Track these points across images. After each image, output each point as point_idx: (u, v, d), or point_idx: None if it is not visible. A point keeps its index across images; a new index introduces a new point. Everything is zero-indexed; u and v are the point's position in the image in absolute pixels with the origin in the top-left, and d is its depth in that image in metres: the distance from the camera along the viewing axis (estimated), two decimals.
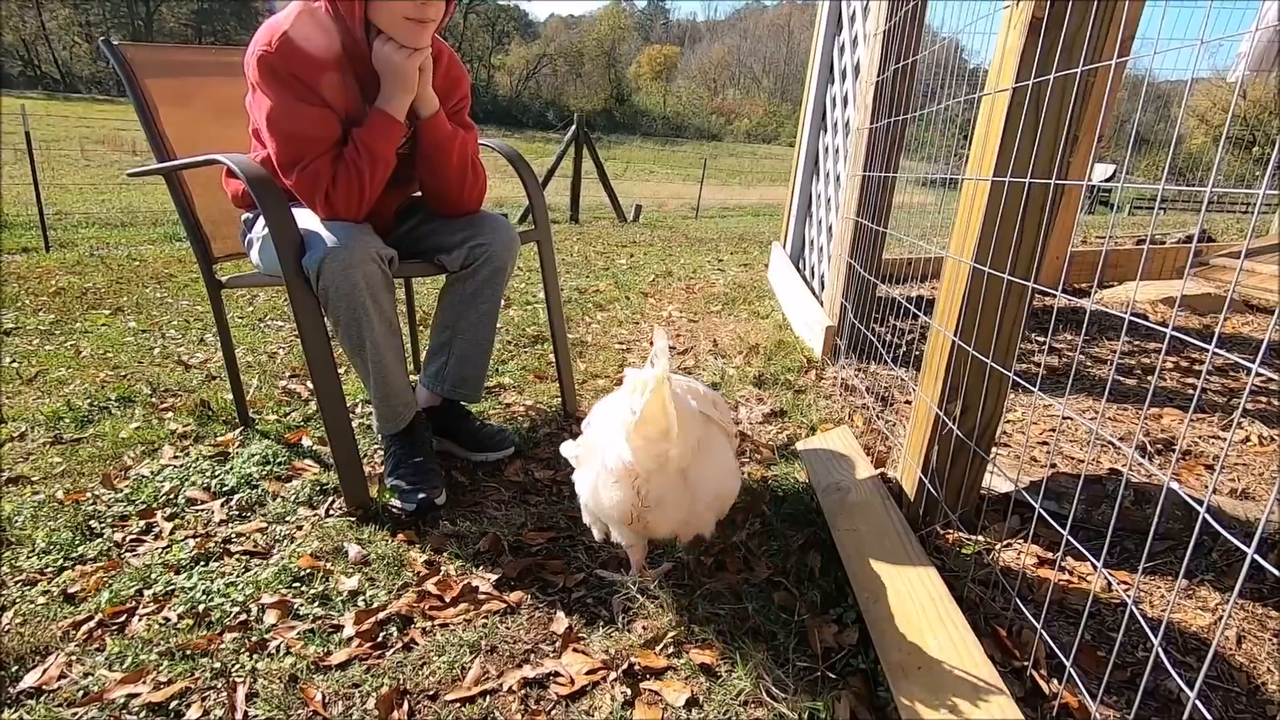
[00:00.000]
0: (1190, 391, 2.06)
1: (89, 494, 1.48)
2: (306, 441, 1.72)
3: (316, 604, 1.16)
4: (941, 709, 0.86)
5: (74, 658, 1.04)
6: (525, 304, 3.17)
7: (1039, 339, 2.58)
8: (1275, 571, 0.63)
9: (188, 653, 1.05)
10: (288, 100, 1.29)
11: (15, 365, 2.22)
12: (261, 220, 1.44)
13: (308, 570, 1.24)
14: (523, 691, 0.99)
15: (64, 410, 1.86)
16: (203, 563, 1.26)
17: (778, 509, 1.41)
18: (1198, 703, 0.66)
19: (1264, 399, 2.03)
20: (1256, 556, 0.60)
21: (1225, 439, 1.74)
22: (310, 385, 2.02)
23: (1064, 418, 1.85)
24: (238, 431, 1.77)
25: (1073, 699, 0.95)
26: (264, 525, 1.38)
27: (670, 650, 1.06)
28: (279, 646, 1.06)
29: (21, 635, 1.08)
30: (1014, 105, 1.08)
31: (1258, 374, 0.61)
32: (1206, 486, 1.50)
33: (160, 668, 1.02)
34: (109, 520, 1.39)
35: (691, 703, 0.97)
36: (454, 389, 1.63)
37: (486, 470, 1.60)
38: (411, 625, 1.12)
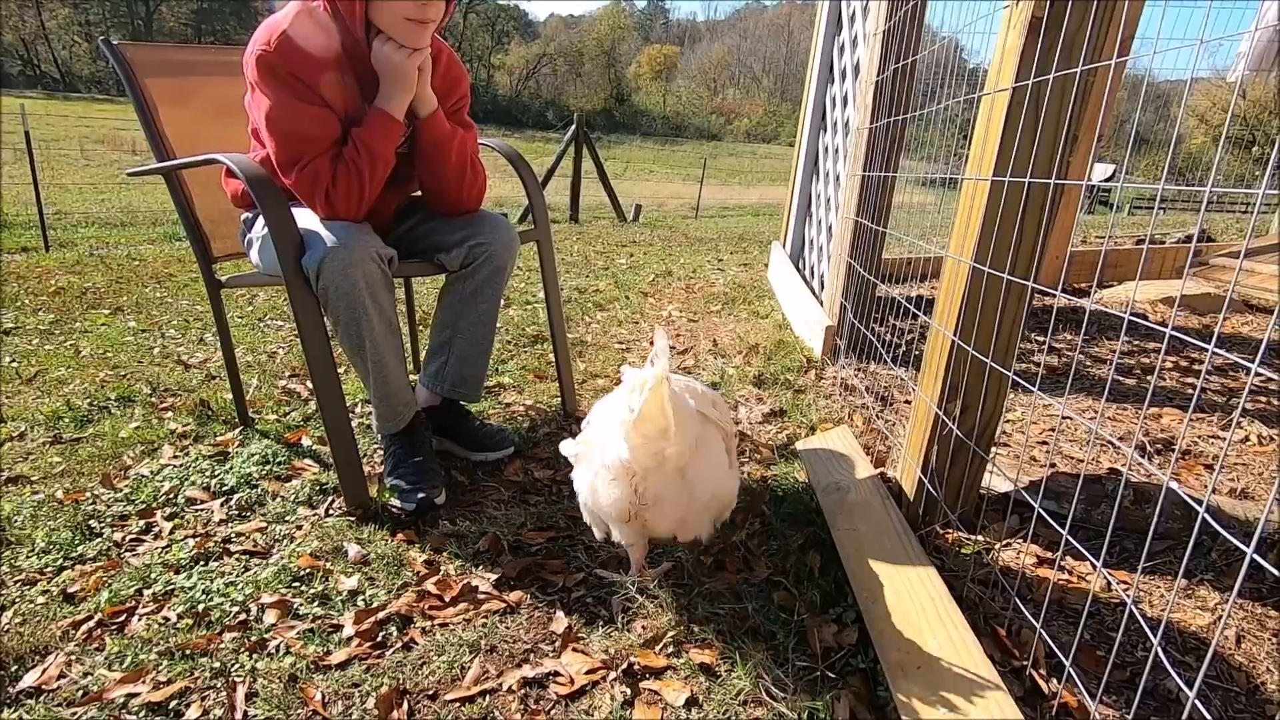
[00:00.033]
0: (1190, 391, 2.06)
1: (88, 494, 1.48)
2: (306, 441, 1.72)
3: (316, 604, 1.16)
4: (941, 708, 0.86)
5: (73, 657, 1.04)
6: (525, 303, 3.17)
7: (1039, 339, 2.58)
8: (1274, 571, 0.63)
9: (187, 652, 1.05)
10: (287, 99, 1.29)
11: (15, 365, 2.22)
12: (261, 220, 1.44)
13: (307, 570, 1.24)
14: (522, 691, 0.99)
15: (63, 410, 1.86)
16: (202, 562, 1.26)
17: (777, 508, 1.41)
18: (1197, 702, 0.66)
19: (1263, 399, 2.03)
20: (1256, 556, 0.60)
21: (1225, 439, 1.74)
22: (310, 385, 2.02)
23: (1063, 417, 1.85)
24: (237, 431, 1.77)
25: (1072, 698, 0.95)
26: (264, 525, 1.38)
27: (670, 650, 1.06)
28: (278, 646, 1.06)
29: (21, 635, 1.08)
30: (1014, 105, 1.08)
31: (1257, 374, 0.61)
32: (1206, 486, 1.50)
33: (160, 667, 1.02)
34: (108, 520, 1.39)
35: (691, 702, 0.97)
36: (454, 388, 1.63)
37: (486, 470, 1.60)
38: (411, 625, 1.12)
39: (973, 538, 1.31)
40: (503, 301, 2.86)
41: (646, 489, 1.04)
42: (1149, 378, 2.19)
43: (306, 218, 1.37)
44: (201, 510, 1.43)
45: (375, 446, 1.66)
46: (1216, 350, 0.68)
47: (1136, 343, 2.55)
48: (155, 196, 9.11)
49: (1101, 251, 3.50)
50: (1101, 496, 1.35)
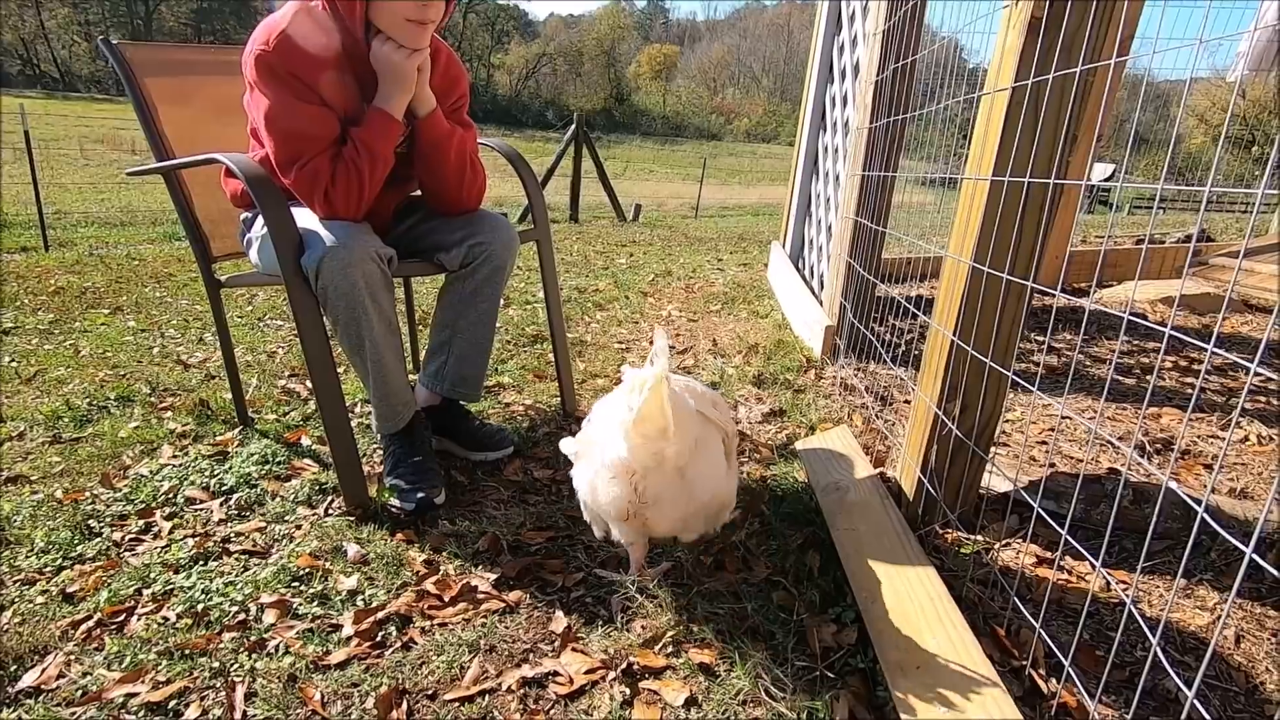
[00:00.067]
0: (1189, 391, 2.06)
1: (88, 493, 1.48)
2: (306, 441, 1.72)
3: (315, 603, 1.16)
4: (939, 708, 0.86)
5: (73, 657, 1.04)
6: (525, 303, 3.17)
7: (1038, 338, 2.58)
8: (1273, 571, 0.63)
9: (186, 652, 1.05)
10: (286, 99, 1.29)
11: (14, 364, 2.22)
12: (260, 219, 1.44)
13: (307, 570, 1.24)
14: (521, 691, 0.99)
15: (63, 409, 1.85)
16: (201, 562, 1.26)
17: (777, 508, 1.41)
18: (1196, 702, 0.66)
19: (1263, 398, 2.03)
20: (1255, 556, 0.60)
21: (1224, 438, 1.74)
22: (309, 384, 2.01)
23: (1063, 417, 1.85)
24: (237, 431, 1.77)
25: (1071, 698, 0.95)
26: (263, 525, 1.38)
27: (669, 650, 1.06)
28: (278, 646, 1.06)
29: (20, 635, 1.08)
30: (1013, 105, 1.08)
31: (1256, 373, 0.61)
32: (1205, 486, 1.50)
33: (159, 667, 1.02)
34: (108, 520, 1.39)
35: (690, 702, 0.97)
36: (453, 388, 1.63)
37: (486, 470, 1.60)
38: (410, 625, 1.12)
39: (972, 537, 1.31)
40: (502, 301, 2.86)
41: (647, 488, 1.05)
42: (1148, 377, 2.19)
43: (306, 217, 1.37)
44: (201, 510, 1.43)
45: (375, 446, 1.66)
46: (1216, 350, 0.68)
47: (1136, 342, 2.55)
48: (155, 196, 9.10)
49: (1101, 251, 3.50)
50: (1101, 496, 1.35)
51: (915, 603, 1.05)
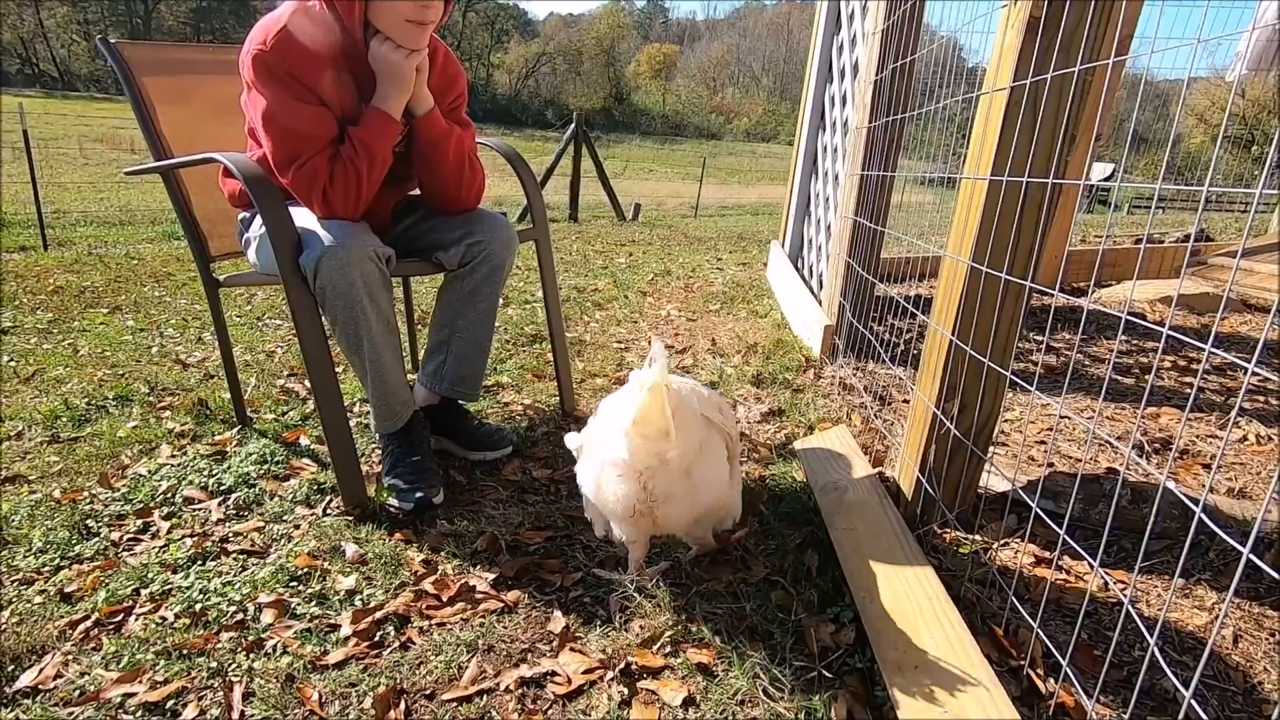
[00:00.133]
0: (1188, 390, 2.06)
1: (86, 493, 1.48)
2: (304, 440, 1.72)
3: (313, 603, 1.16)
4: (937, 708, 0.86)
5: (70, 657, 1.04)
6: (524, 303, 3.17)
7: (1037, 338, 2.58)
8: (1271, 571, 0.63)
9: (184, 652, 1.05)
10: (284, 98, 1.29)
11: (13, 364, 2.22)
12: (258, 219, 1.44)
13: (305, 569, 1.23)
14: (520, 691, 0.99)
15: (61, 409, 1.85)
16: (200, 562, 1.26)
17: (775, 508, 1.41)
18: (1193, 702, 0.66)
19: (1262, 398, 2.03)
20: (1252, 556, 0.60)
21: (1222, 438, 1.74)
22: (308, 384, 2.01)
23: (1061, 417, 1.85)
24: (235, 430, 1.77)
25: (1069, 698, 0.95)
26: (261, 524, 1.38)
27: (667, 649, 1.06)
28: (276, 646, 1.06)
29: (18, 634, 1.07)
30: (1012, 104, 1.08)
31: (1254, 373, 0.61)
32: (1204, 486, 1.50)
33: (157, 667, 1.02)
34: (106, 519, 1.39)
35: (688, 702, 0.97)
36: (452, 388, 1.63)
37: (484, 469, 1.60)
38: (408, 624, 1.12)
39: (970, 537, 1.31)
40: (501, 300, 2.86)
41: (656, 486, 1.05)
42: (1147, 377, 2.19)
43: (304, 217, 1.36)
44: (199, 510, 1.43)
45: (373, 446, 1.66)
46: (1213, 350, 0.68)
47: (1135, 342, 2.55)
48: (154, 195, 9.09)
49: (1099, 251, 3.50)
50: (1099, 496, 1.35)
51: (913, 602, 1.04)
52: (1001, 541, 1.30)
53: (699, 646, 1.06)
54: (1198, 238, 4.45)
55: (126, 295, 3.19)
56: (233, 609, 1.14)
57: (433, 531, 1.35)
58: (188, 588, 1.19)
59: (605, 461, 1.09)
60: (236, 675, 1.01)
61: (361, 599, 1.17)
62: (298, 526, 1.37)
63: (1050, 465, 1.56)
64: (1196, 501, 0.64)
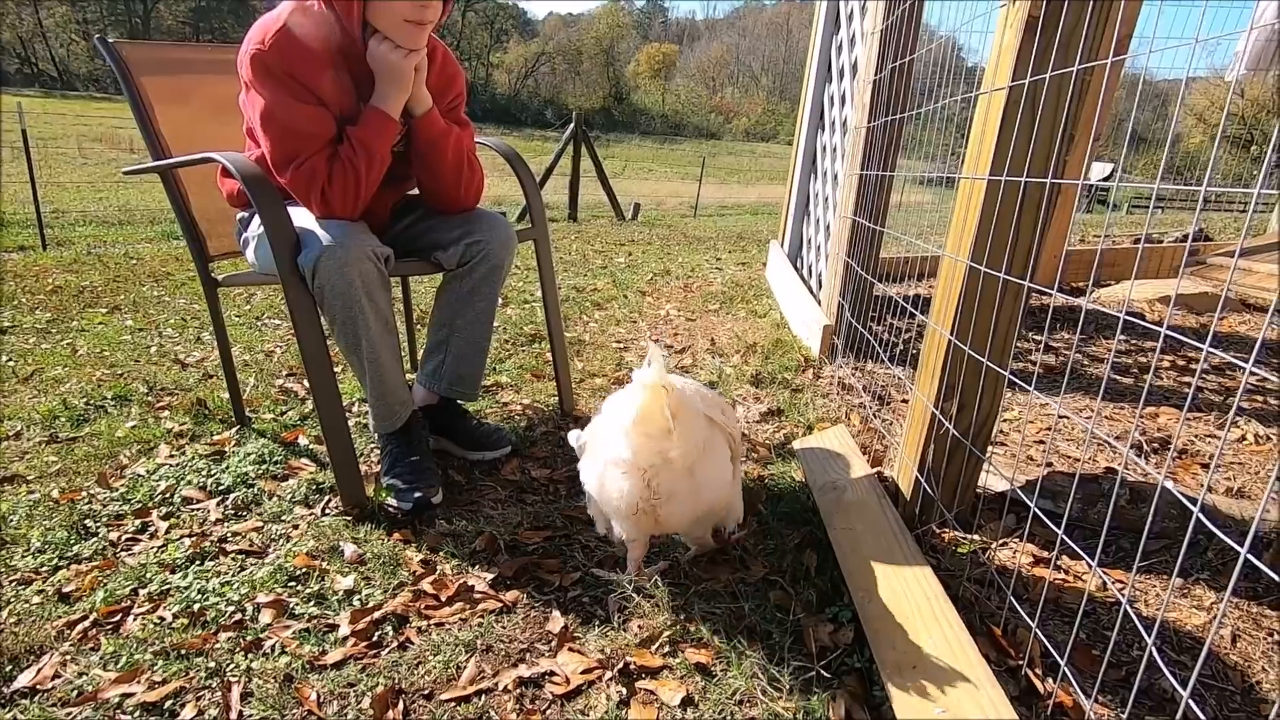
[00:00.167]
0: (1186, 390, 2.06)
1: (84, 493, 1.48)
2: (303, 440, 1.72)
3: (312, 603, 1.16)
4: (935, 707, 0.86)
5: (68, 657, 1.04)
6: (523, 302, 3.17)
7: (1035, 338, 2.58)
8: (1269, 571, 0.63)
9: (182, 652, 1.04)
10: (282, 98, 1.28)
11: (11, 364, 2.21)
12: (257, 219, 1.43)
13: (303, 569, 1.23)
14: (518, 691, 0.99)
15: (60, 409, 1.85)
16: (198, 562, 1.26)
17: (774, 508, 1.41)
18: (1191, 702, 0.66)
19: (1260, 398, 2.04)
20: (1250, 556, 0.60)
21: (1221, 438, 1.74)
22: (307, 384, 2.01)
23: (1060, 416, 1.85)
24: (234, 430, 1.76)
25: (1067, 698, 0.96)
26: (260, 524, 1.38)
27: (666, 649, 1.06)
28: (274, 646, 1.06)
29: (16, 634, 1.07)
30: (1010, 104, 1.08)
31: (1252, 373, 0.61)
32: (1202, 485, 1.50)
33: (155, 667, 1.02)
34: (104, 519, 1.39)
35: (687, 702, 0.97)
36: (451, 387, 1.63)
37: (483, 469, 1.60)
38: (407, 624, 1.12)
39: (969, 537, 1.31)
40: (500, 300, 2.86)
41: (660, 484, 1.05)
42: (1146, 377, 2.19)
43: (302, 216, 1.36)
44: (197, 510, 1.43)
45: (372, 446, 1.66)
46: (1211, 350, 0.68)
47: (1134, 342, 2.55)
48: (152, 195, 9.09)
49: (1098, 250, 3.50)
50: (1098, 496, 1.35)
51: (912, 602, 1.05)
52: (1000, 541, 1.30)
53: (697, 646, 1.06)
54: (1196, 237, 4.45)
55: (125, 295, 3.18)
56: (231, 609, 1.14)
57: (431, 531, 1.35)
58: (186, 588, 1.19)
59: (608, 460, 1.09)
60: (235, 675, 1.01)
61: (360, 599, 1.17)
62: (296, 526, 1.37)
63: (1049, 465, 1.56)
64: (1195, 501, 0.64)
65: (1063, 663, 0.89)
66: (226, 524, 1.38)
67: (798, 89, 3.44)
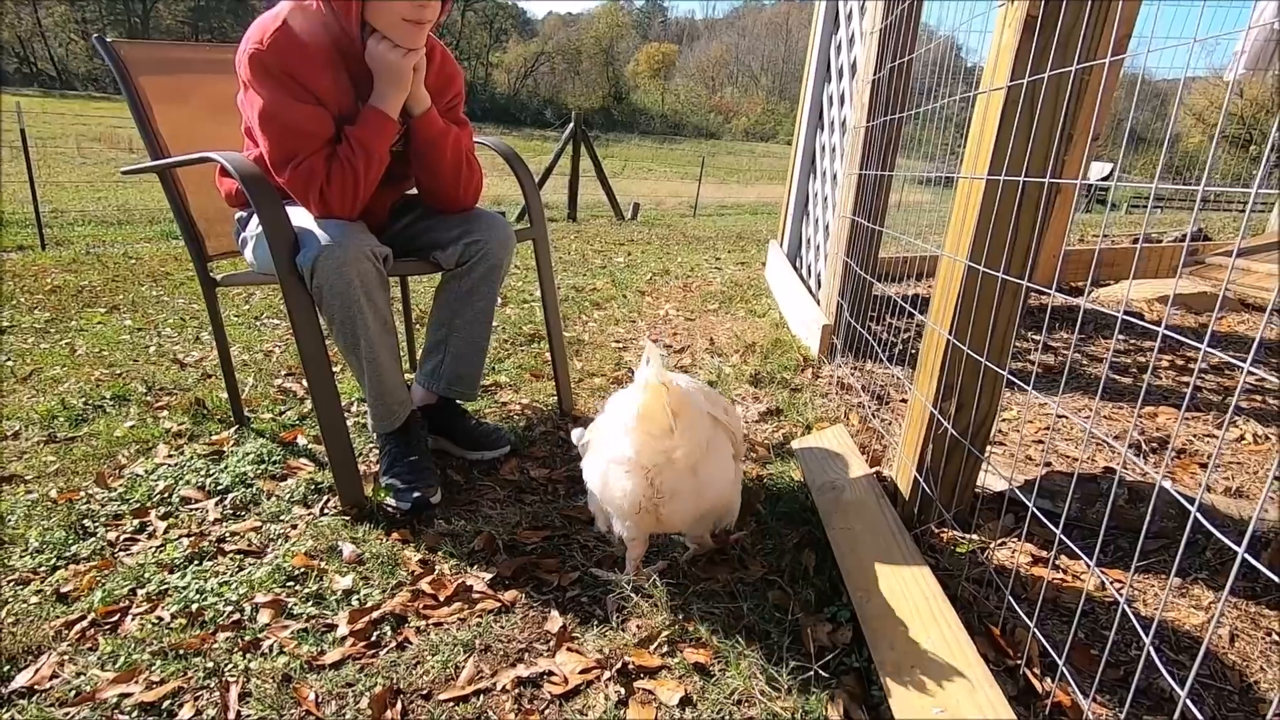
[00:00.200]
0: (1185, 390, 2.06)
1: (83, 493, 1.48)
2: (301, 440, 1.72)
3: (310, 603, 1.15)
4: (934, 707, 0.86)
5: (66, 657, 1.04)
6: (522, 302, 3.17)
7: (1034, 337, 2.58)
8: (1267, 571, 0.63)
9: (181, 652, 1.04)
10: (280, 97, 1.28)
11: (10, 363, 2.21)
12: (255, 218, 1.43)
13: (302, 569, 1.23)
14: (516, 691, 0.99)
15: (58, 409, 1.85)
16: (196, 562, 1.26)
17: (773, 507, 1.41)
18: (1188, 701, 0.66)
19: (1259, 397, 2.04)
20: (1247, 556, 0.60)
21: (1219, 437, 1.74)
22: (305, 383, 2.01)
23: (1059, 416, 1.85)
24: (233, 430, 1.76)
25: (1065, 697, 0.96)
26: (258, 524, 1.38)
27: (664, 649, 1.06)
28: (272, 646, 1.06)
29: (14, 635, 1.07)
30: (1009, 103, 1.08)
31: (1250, 372, 0.61)
32: (1201, 485, 1.50)
33: (153, 667, 1.02)
34: (103, 519, 1.39)
35: (685, 702, 0.97)
36: (450, 387, 1.63)
37: (482, 469, 1.60)
38: (405, 624, 1.11)
39: (967, 537, 1.31)
40: (499, 300, 2.86)
41: (663, 482, 1.05)
42: (1144, 376, 2.19)
43: (301, 216, 1.36)
44: (196, 510, 1.43)
45: (371, 445, 1.66)
46: (1209, 349, 0.68)
47: (1133, 341, 2.55)
48: (151, 195, 9.09)
49: (1096, 250, 3.50)
50: (1096, 495, 1.35)
51: (910, 602, 1.05)
52: (998, 541, 1.30)
53: (696, 646, 1.06)
54: (1195, 237, 4.46)
55: (124, 295, 3.18)
56: (229, 609, 1.14)
57: (430, 531, 1.35)
58: (184, 588, 1.19)
59: (611, 458, 1.10)
60: (233, 675, 1.01)
61: (358, 599, 1.17)
62: (295, 526, 1.37)
63: (1047, 464, 1.56)
64: (1193, 501, 0.64)
65: (1061, 662, 0.89)
66: (225, 524, 1.38)
67: (797, 89, 3.44)
